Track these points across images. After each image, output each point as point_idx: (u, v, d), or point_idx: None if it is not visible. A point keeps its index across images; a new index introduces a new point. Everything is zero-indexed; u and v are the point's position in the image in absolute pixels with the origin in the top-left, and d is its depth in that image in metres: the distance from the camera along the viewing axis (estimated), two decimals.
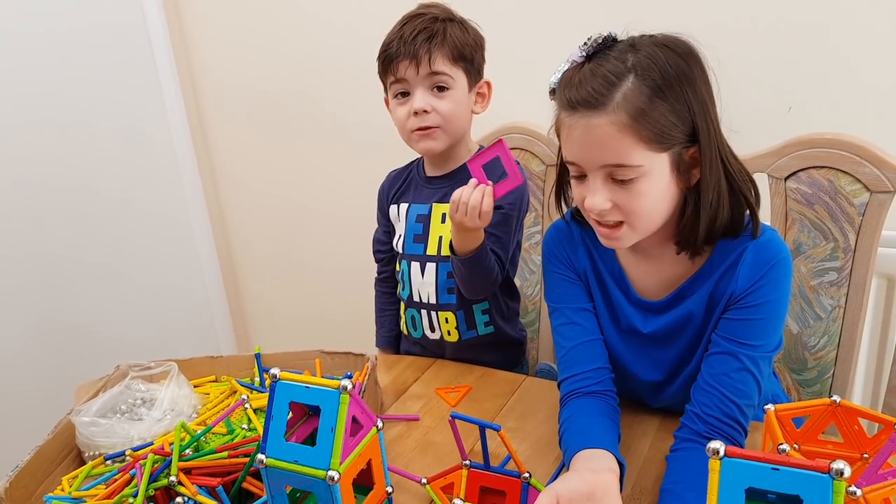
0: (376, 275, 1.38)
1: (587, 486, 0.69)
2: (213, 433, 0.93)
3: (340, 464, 0.56)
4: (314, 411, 0.63)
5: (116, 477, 0.87)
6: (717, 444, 0.44)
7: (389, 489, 0.63)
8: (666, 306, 0.91)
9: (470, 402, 1.09)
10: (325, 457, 0.56)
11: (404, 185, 1.28)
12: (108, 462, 0.92)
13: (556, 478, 0.86)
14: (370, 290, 1.39)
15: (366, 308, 1.43)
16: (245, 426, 0.93)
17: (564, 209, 0.97)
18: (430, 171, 1.24)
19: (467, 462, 0.80)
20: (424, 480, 0.84)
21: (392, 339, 1.37)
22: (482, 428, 0.77)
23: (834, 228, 1.15)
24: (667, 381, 0.96)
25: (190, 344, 2.21)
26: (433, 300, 1.21)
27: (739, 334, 0.84)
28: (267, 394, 1.00)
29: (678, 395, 0.95)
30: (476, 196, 1.00)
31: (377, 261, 1.36)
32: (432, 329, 1.24)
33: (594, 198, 0.81)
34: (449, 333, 1.22)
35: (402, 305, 1.30)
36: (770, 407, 0.75)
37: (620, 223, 0.82)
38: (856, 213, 1.13)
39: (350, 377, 1.05)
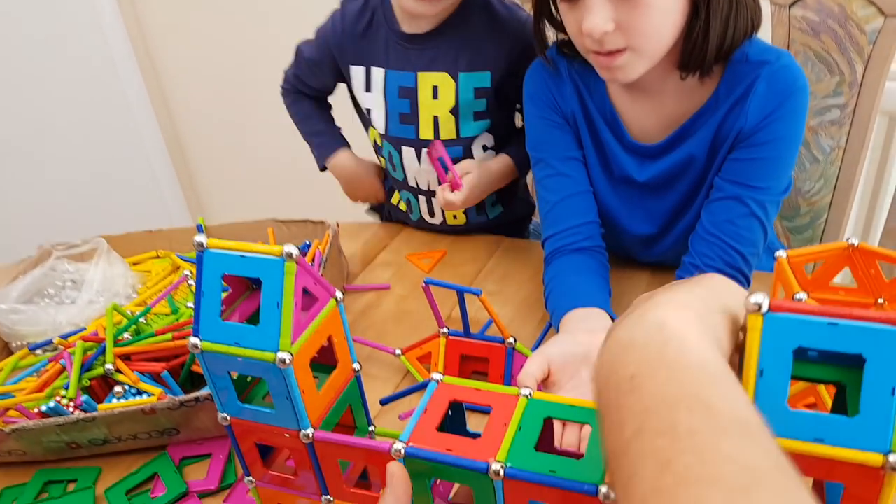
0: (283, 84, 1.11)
1: (581, 347, 0.61)
2: (155, 314, 0.82)
3: (292, 344, 0.46)
4: (259, 285, 0.52)
5: (47, 367, 0.76)
6: (759, 297, 0.34)
7: (356, 366, 0.54)
8: (664, 150, 0.80)
9: (445, 268, 1.00)
10: (273, 337, 0.46)
11: (369, 35, 0.97)
12: (38, 352, 0.81)
13: (542, 340, 0.79)
14: None
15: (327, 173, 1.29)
16: (190, 304, 0.82)
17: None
18: (409, 27, 0.95)
19: (445, 330, 0.72)
20: (398, 351, 0.76)
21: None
22: (460, 293, 0.68)
23: (841, 60, 1.03)
24: (660, 234, 0.87)
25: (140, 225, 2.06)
26: (434, 186, 1.02)
27: (747, 176, 0.74)
28: None
29: (672, 250, 0.87)
30: (449, 200, 0.93)
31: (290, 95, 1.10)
32: (431, 214, 1.07)
33: (594, 17, 0.66)
34: (455, 217, 1.07)
35: (392, 185, 1.11)
36: (782, 254, 0.67)
37: (622, 50, 0.69)
38: (866, 42, 1.00)
39: (307, 247, 0.95)
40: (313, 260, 0.88)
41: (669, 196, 0.83)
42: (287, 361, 0.45)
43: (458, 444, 0.45)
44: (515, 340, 0.68)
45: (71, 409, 0.69)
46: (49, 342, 0.79)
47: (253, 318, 0.53)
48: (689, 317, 0.33)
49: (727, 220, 0.74)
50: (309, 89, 1.08)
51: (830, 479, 0.34)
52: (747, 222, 0.74)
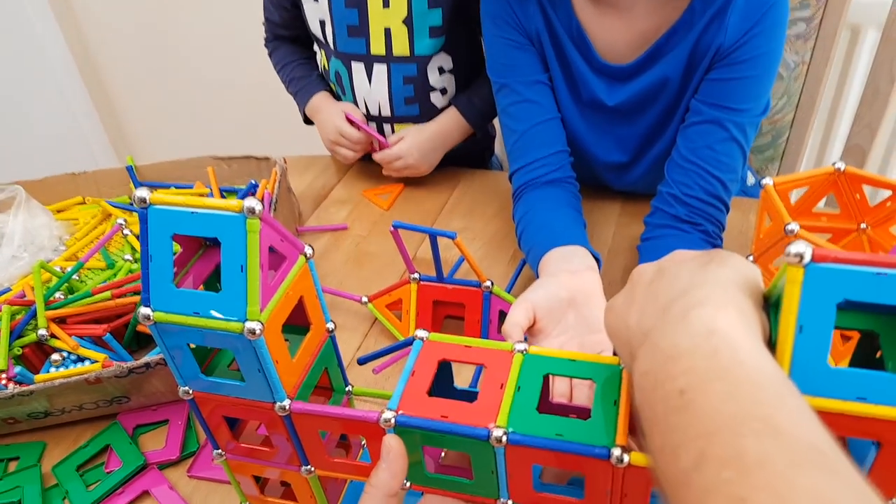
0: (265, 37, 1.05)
1: (566, 290, 0.58)
2: (89, 269, 0.74)
3: (261, 311, 0.40)
4: (212, 241, 0.46)
5: None
6: (801, 247, 0.30)
7: (331, 326, 0.49)
8: (635, 71, 0.75)
9: (405, 204, 0.94)
10: (238, 304, 0.40)
11: None
12: None
13: (515, 280, 0.75)
14: (271, 76, 1.08)
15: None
16: (128, 257, 0.74)
17: None
18: None
19: (416, 275, 0.67)
20: (365, 299, 0.71)
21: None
22: (433, 237, 0.62)
23: None
24: (633, 162, 0.83)
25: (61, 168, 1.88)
26: (387, 111, 0.94)
27: (726, 97, 0.70)
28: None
29: (645, 177, 0.83)
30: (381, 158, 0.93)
31: (270, 43, 1.05)
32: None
33: None
34: None
35: None
36: (768, 181, 0.64)
37: None
38: None
39: (255, 187, 0.87)
40: (262, 202, 0.81)
41: (642, 121, 0.79)
42: (257, 332, 0.39)
43: (453, 410, 0.42)
44: (493, 283, 0.64)
45: (3, 383, 0.62)
46: None
47: (211, 281, 0.47)
48: (735, 317, 0.29)
49: (706, 146, 0.71)
50: (280, 28, 1.01)
51: (867, 437, 0.32)
52: (727, 147, 0.70)
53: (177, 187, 0.89)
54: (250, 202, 0.39)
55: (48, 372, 0.63)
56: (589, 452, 0.38)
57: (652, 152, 0.81)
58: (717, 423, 0.25)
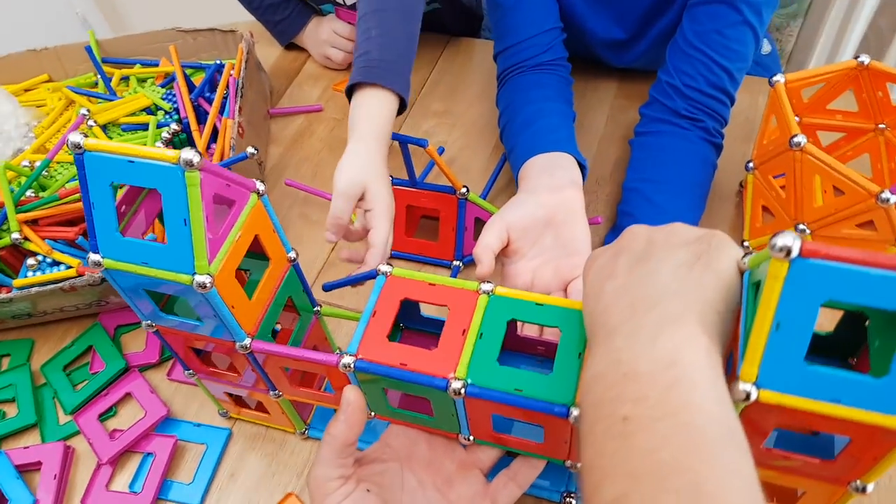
0: None
1: (544, 210, 0.54)
2: (58, 162, 0.71)
3: (210, 263, 0.38)
4: None
5: None
6: (787, 239, 0.27)
7: (292, 255, 0.47)
8: None
9: None
10: (186, 258, 0.38)
11: None
12: None
13: (493, 180, 0.71)
14: None
15: None
16: None
17: None
18: None
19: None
20: None
21: None
22: (403, 144, 0.58)
23: None
24: (632, 40, 0.76)
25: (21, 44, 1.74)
26: None
27: None
28: (116, 103, 0.76)
29: (646, 55, 0.76)
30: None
31: None
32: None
33: None
34: None
35: None
36: (779, 78, 0.58)
37: None
38: None
39: (220, 67, 0.80)
40: (227, 87, 0.75)
41: None
42: (208, 285, 0.38)
43: (413, 357, 0.41)
44: (468, 190, 0.61)
45: None
46: None
47: (161, 222, 0.45)
48: (702, 350, 0.28)
49: (714, 31, 0.63)
50: None
51: (839, 433, 0.31)
52: (738, 32, 0.63)
53: (142, 64, 0.83)
54: (187, 154, 0.35)
55: (25, 277, 0.63)
56: (548, 410, 0.38)
57: (654, 29, 0.73)
58: (647, 467, 0.24)
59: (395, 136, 0.58)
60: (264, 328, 0.45)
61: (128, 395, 0.60)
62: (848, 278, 0.27)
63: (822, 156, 0.52)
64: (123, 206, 0.43)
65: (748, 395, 0.29)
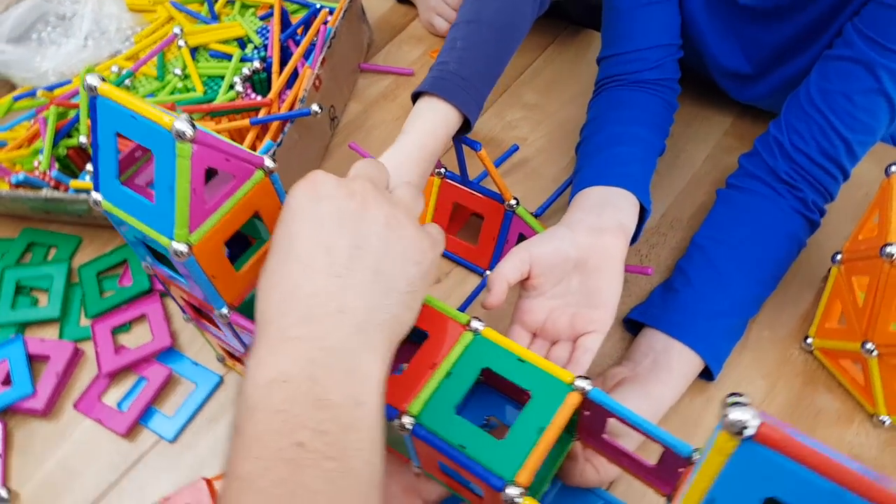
0: None
1: (577, 251, 0.49)
2: (143, 74, 0.73)
3: (190, 233, 0.37)
4: None
5: (29, 123, 0.71)
6: (745, 415, 0.23)
7: None
8: None
9: None
10: (167, 222, 0.37)
11: None
12: (28, 98, 0.75)
13: (557, 196, 0.66)
14: None
15: None
16: (177, 71, 0.72)
17: None
18: None
19: (442, 171, 0.60)
20: None
21: None
22: (456, 143, 0.55)
23: None
24: (760, 76, 0.67)
25: None
26: None
27: (887, 30, 0.52)
28: (212, 27, 0.76)
29: (775, 96, 0.67)
30: None
31: None
32: None
33: None
34: None
35: None
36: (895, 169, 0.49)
37: None
38: None
39: (315, 12, 0.76)
40: (316, 36, 0.73)
41: (779, 29, 0.62)
42: (184, 253, 0.37)
43: None
44: (518, 203, 0.57)
45: (46, 180, 0.65)
46: (33, 93, 0.73)
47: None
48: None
49: (842, 93, 0.54)
50: None
51: None
52: (869, 101, 0.54)
53: None
54: (180, 124, 0.34)
55: (83, 180, 0.66)
56: (485, 478, 0.35)
57: (788, 69, 0.64)
58: None
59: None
60: (250, 302, 0.44)
61: (143, 316, 0.62)
62: (801, 482, 0.22)
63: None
64: (139, 152, 0.42)
65: None
